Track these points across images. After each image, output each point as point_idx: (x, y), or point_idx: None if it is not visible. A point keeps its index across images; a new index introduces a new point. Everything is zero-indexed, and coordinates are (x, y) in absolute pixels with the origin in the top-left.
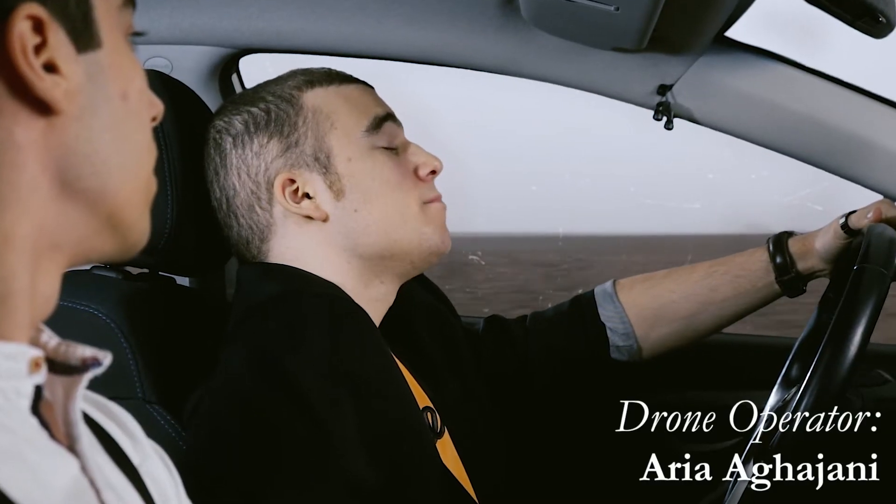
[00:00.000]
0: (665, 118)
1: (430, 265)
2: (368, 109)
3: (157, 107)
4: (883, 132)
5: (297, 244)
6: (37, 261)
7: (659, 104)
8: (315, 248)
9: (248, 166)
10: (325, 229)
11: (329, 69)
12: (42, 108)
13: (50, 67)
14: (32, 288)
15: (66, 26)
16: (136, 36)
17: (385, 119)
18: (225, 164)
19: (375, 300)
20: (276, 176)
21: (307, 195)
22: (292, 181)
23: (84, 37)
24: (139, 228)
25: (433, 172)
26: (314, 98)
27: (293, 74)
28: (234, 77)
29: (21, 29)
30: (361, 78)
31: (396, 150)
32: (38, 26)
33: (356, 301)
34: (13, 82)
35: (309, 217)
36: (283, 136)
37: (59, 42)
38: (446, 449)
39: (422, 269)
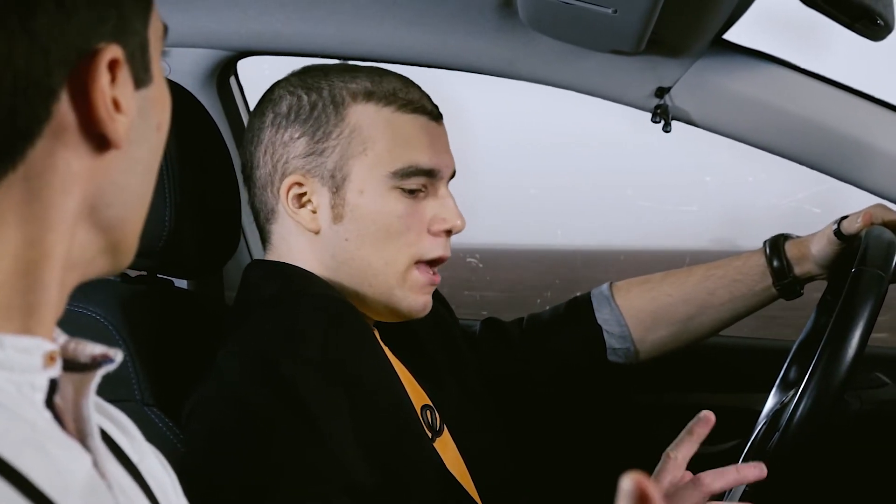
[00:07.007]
0: (663, 121)
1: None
2: (411, 153)
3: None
4: (880, 135)
5: (293, 241)
6: (63, 277)
7: (657, 107)
8: (305, 251)
9: (274, 150)
10: (315, 241)
11: (401, 87)
12: (102, 142)
13: (114, 105)
14: (58, 302)
15: (131, 66)
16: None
17: (426, 174)
18: (259, 136)
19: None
20: (289, 175)
21: (310, 202)
22: (300, 185)
23: (142, 74)
24: (133, 250)
25: (448, 232)
26: (362, 114)
27: (365, 73)
28: (232, 80)
29: (103, 70)
30: None
31: (422, 193)
32: (111, 65)
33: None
34: (85, 118)
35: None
36: (314, 140)
37: (125, 80)
38: (447, 448)
39: (393, 321)
